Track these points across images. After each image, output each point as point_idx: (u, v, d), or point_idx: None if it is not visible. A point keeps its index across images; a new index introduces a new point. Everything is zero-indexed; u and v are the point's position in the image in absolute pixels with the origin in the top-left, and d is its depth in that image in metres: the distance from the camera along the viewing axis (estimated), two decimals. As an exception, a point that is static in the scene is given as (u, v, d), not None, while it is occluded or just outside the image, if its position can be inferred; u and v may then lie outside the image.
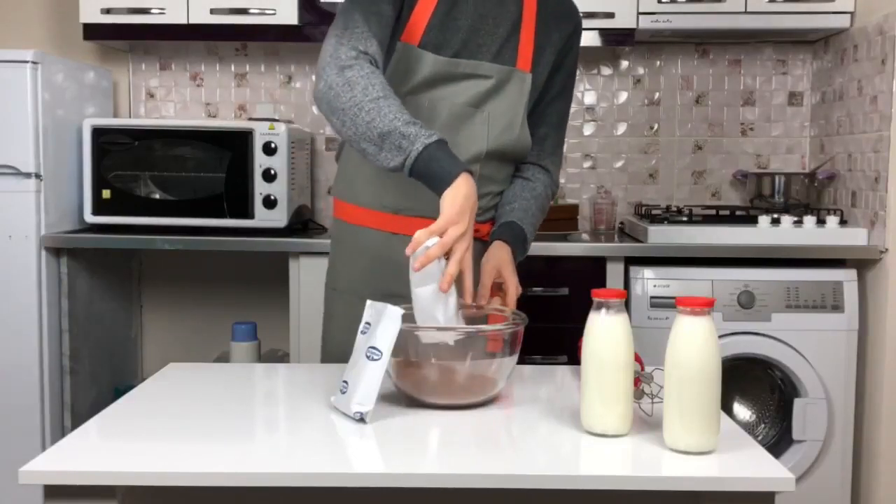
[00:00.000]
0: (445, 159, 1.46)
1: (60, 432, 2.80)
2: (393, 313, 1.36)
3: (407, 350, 1.41)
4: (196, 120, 3.23)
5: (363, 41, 1.56)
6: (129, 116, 3.39)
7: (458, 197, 1.44)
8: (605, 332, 1.28)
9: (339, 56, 1.54)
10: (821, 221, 2.77)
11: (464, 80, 1.69)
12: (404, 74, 1.68)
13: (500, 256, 1.67)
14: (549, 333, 2.51)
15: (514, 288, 1.64)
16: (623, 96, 3.36)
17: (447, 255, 1.42)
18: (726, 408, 2.55)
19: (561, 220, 3.08)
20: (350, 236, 1.78)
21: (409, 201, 1.69)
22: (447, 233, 1.41)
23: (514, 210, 1.77)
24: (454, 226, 1.41)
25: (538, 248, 2.68)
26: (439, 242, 1.40)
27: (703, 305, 1.22)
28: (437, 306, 1.43)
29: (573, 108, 3.34)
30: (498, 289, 1.65)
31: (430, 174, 1.46)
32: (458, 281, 1.46)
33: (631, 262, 2.73)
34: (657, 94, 3.35)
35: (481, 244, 1.76)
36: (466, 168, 1.48)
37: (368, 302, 1.44)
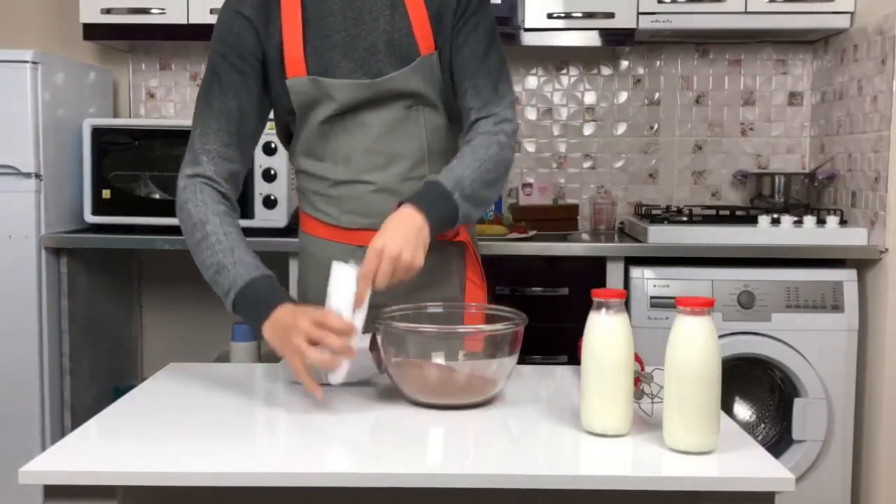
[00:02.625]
0: (248, 315, 1.49)
1: (60, 432, 2.80)
2: (340, 269, 1.42)
3: (407, 350, 1.41)
4: (196, 120, 3.23)
5: (191, 163, 1.62)
6: (129, 116, 3.39)
7: (271, 344, 1.44)
8: (605, 332, 1.28)
9: (177, 191, 1.62)
10: (821, 221, 2.78)
11: (387, 99, 1.63)
12: (316, 105, 1.64)
13: (389, 224, 1.48)
14: (549, 333, 2.51)
15: (388, 262, 1.42)
16: (623, 96, 3.36)
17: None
18: (726, 408, 2.54)
19: (561, 220, 3.09)
20: (315, 249, 1.75)
21: (367, 218, 1.66)
22: (291, 364, 1.40)
23: (448, 167, 1.59)
24: (287, 356, 1.40)
25: (538, 248, 2.70)
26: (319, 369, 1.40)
27: (703, 305, 1.22)
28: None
29: (573, 107, 3.38)
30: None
31: (249, 325, 1.50)
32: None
33: (631, 262, 2.73)
34: (657, 94, 3.35)
35: (454, 246, 1.72)
36: (264, 314, 1.45)
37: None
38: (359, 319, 1.41)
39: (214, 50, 1.64)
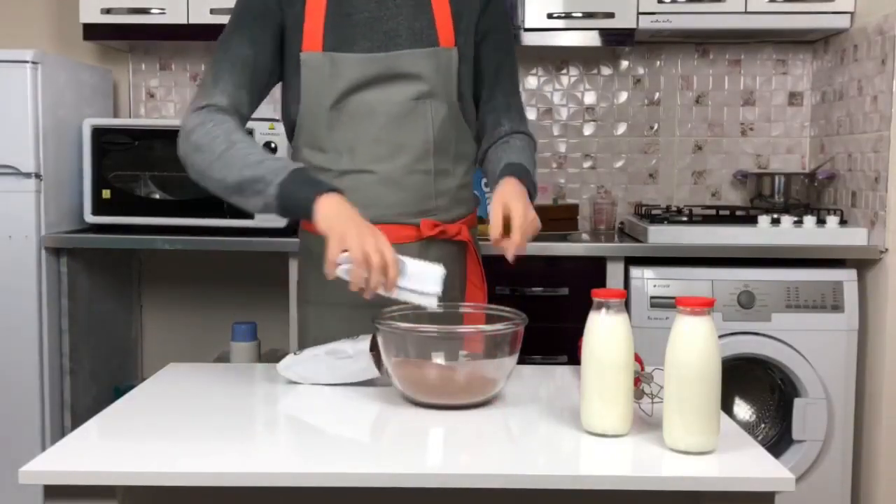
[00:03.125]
0: (302, 189, 1.45)
1: (60, 432, 2.80)
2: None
3: (407, 350, 1.41)
4: (196, 120, 3.23)
5: (204, 96, 1.59)
6: (129, 116, 3.39)
7: (327, 220, 1.41)
8: (605, 333, 1.28)
9: (184, 125, 1.58)
10: (821, 221, 2.77)
11: (393, 76, 1.64)
12: (324, 84, 1.65)
13: (505, 190, 1.54)
14: (549, 333, 2.51)
15: (519, 216, 1.48)
16: (623, 96, 3.36)
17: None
18: (726, 408, 2.55)
19: (561, 220, 3.08)
20: (316, 247, 1.74)
21: (367, 209, 1.65)
22: (351, 252, 1.37)
23: (508, 156, 1.68)
24: (345, 242, 1.37)
25: (538, 248, 2.70)
26: (353, 267, 1.37)
27: (703, 305, 1.22)
28: (408, 292, 1.41)
29: (573, 107, 3.38)
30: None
31: (296, 211, 1.46)
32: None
33: (631, 262, 2.73)
34: (657, 94, 3.35)
35: (455, 246, 1.73)
36: (325, 189, 1.45)
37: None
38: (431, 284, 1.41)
39: (238, 5, 1.67)
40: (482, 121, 1.77)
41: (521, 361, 1.48)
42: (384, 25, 1.65)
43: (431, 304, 1.40)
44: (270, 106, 3.30)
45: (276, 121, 2.93)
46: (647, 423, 1.33)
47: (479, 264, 1.77)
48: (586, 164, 3.38)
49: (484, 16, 1.72)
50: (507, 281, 2.67)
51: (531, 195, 1.59)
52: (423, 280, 1.40)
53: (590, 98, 3.36)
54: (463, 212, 1.76)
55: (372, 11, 1.65)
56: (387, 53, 1.64)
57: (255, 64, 1.64)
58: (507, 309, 1.58)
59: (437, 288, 1.40)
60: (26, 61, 2.69)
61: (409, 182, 1.65)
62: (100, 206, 2.89)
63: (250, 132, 2.84)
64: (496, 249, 1.51)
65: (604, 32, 2.95)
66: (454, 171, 1.72)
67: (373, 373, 1.50)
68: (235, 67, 1.62)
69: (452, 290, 1.71)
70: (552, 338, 2.53)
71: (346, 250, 1.37)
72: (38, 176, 2.74)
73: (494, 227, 1.49)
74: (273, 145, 2.83)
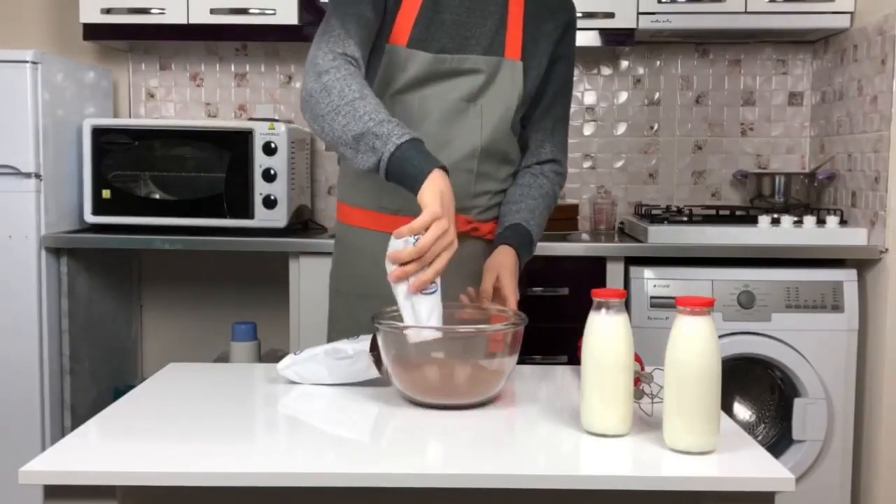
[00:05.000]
0: (418, 157, 1.45)
1: (60, 432, 2.80)
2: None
3: (407, 350, 1.41)
4: (196, 120, 3.23)
5: (340, 43, 1.57)
6: (129, 116, 3.39)
7: (434, 191, 1.42)
8: (605, 333, 1.28)
9: (316, 62, 1.56)
10: (821, 221, 2.77)
11: (454, 76, 1.69)
12: (392, 75, 1.68)
13: (500, 262, 1.67)
14: (549, 333, 2.51)
15: (511, 295, 1.63)
16: (623, 96, 3.36)
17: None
18: (726, 408, 2.55)
19: (561, 220, 3.08)
20: (351, 238, 1.78)
21: (408, 201, 1.68)
22: (427, 233, 1.38)
23: (520, 210, 1.76)
24: (437, 221, 1.38)
25: (538, 247, 2.68)
26: (416, 247, 1.37)
27: (702, 305, 1.22)
28: (406, 304, 1.41)
29: (573, 108, 3.37)
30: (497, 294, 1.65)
31: (403, 174, 1.45)
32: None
33: (631, 262, 2.73)
34: (657, 94, 3.35)
35: (484, 243, 1.76)
36: (440, 164, 1.46)
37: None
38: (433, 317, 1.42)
39: None
40: (528, 136, 1.84)
41: (521, 361, 1.49)
42: (467, 31, 1.70)
43: (414, 335, 1.39)
44: (270, 106, 3.31)
45: (276, 121, 2.93)
46: (647, 423, 1.33)
47: None
48: (586, 164, 3.38)
49: (559, 45, 1.79)
50: (507, 281, 2.67)
51: (522, 260, 1.73)
52: (430, 314, 1.41)
53: (590, 98, 3.36)
54: (492, 213, 1.79)
55: (461, 15, 1.69)
56: (452, 56, 1.68)
57: (372, 29, 1.64)
58: (508, 309, 1.58)
59: (433, 323, 1.40)
60: (26, 61, 2.69)
61: (451, 179, 1.66)
62: (100, 206, 2.89)
63: (250, 132, 2.84)
64: None
65: (604, 32, 2.95)
66: (496, 175, 1.77)
67: (373, 373, 1.50)
68: (361, 26, 1.62)
69: (477, 284, 1.72)
70: (552, 338, 2.53)
71: (420, 234, 1.38)
72: (37, 176, 2.74)
73: (485, 292, 1.63)
74: (273, 145, 2.83)
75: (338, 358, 1.51)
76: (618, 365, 1.27)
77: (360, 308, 1.71)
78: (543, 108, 1.82)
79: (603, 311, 1.28)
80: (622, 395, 1.27)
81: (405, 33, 1.67)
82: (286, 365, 1.55)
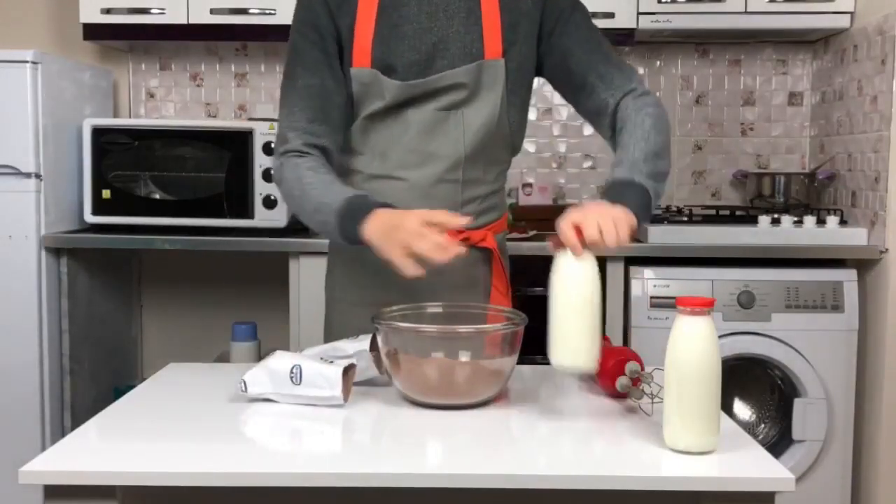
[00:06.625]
0: (348, 227, 1.50)
1: (60, 432, 2.80)
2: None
3: (407, 350, 1.41)
4: (196, 120, 3.23)
5: (281, 140, 1.65)
6: (129, 116, 3.39)
7: (377, 246, 1.46)
8: (571, 274, 1.33)
9: (273, 173, 1.67)
10: (821, 221, 2.77)
11: (433, 96, 1.65)
12: (365, 99, 1.66)
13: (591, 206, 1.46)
14: (549, 333, 2.51)
15: (593, 226, 1.40)
16: (623, 96, 3.35)
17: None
18: (726, 408, 2.55)
19: (561, 220, 3.08)
20: (343, 246, 1.76)
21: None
22: (401, 267, 1.42)
23: (629, 159, 1.55)
24: (394, 261, 1.42)
25: (538, 247, 2.69)
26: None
27: (703, 305, 1.22)
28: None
29: (573, 108, 3.36)
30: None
31: (354, 242, 1.50)
32: None
33: (631, 262, 2.73)
34: (657, 94, 3.35)
35: (478, 251, 1.72)
36: (365, 214, 1.48)
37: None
38: None
39: (295, 30, 1.69)
40: (592, 86, 1.67)
41: (521, 361, 1.48)
42: (432, 37, 1.63)
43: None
44: (270, 106, 3.31)
45: (276, 121, 2.92)
46: (647, 423, 1.33)
47: (504, 272, 1.76)
48: (586, 164, 3.38)
49: (545, 15, 1.68)
50: (507, 281, 2.67)
51: (646, 197, 1.53)
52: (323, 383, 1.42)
53: (590, 98, 3.35)
54: (491, 218, 1.75)
55: (422, 23, 1.63)
56: (425, 80, 1.63)
57: (323, 91, 1.64)
58: (508, 309, 1.58)
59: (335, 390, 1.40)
60: (26, 61, 2.69)
61: (437, 191, 1.66)
62: (100, 206, 2.89)
63: (250, 132, 2.84)
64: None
65: (604, 32, 2.93)
66: (485, 178, 1.72)
67: (373, 373, 1.50)
68: (304, 101, 1.63)
69: (476, 296, 1.71)
70: (552, 338, 2.52)
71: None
72: (38, 176, 2.74)
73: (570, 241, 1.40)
74: (273, 145, 2.83)
75: (336, 358, 1.50)
76: (584, 301, 1.31)
77: (352, 315, 1.71)
78: (580, 76, 1.67)
79: (569, 253, 1.35)
80: (587, 329, 1.31)
81: (366, 55, 1.63)
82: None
